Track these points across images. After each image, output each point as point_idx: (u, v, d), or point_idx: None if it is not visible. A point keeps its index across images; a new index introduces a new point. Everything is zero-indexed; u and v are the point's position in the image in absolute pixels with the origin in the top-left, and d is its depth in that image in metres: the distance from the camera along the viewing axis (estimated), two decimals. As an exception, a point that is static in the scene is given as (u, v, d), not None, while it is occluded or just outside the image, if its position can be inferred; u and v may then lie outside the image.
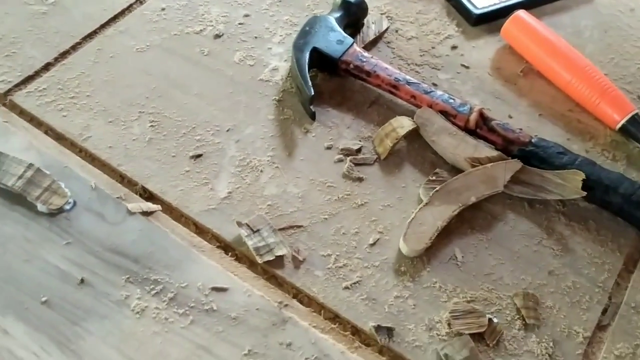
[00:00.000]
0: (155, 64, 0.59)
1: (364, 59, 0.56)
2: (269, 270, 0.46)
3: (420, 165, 0.53)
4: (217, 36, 0.62)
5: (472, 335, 0.42)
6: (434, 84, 0.59)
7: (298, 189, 0.51)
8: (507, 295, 0.45)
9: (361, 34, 0.62)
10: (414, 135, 0.54)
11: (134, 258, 0.46)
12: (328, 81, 0.59)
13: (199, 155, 0.52)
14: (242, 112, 0.56)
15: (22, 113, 0.55)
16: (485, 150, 0.51)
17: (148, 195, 0.50)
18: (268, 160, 0.52)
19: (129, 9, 0.64)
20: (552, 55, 0.59)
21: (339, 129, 0.55)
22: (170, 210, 0.49)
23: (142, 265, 0.45)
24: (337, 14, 0.61)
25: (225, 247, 0.47)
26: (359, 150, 0.53)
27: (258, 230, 0.47)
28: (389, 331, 0.43)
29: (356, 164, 0.52)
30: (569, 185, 0.49)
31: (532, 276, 0.46)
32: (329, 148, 0.54)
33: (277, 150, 0.53)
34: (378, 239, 0.48)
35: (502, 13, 0.63)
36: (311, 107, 0.54)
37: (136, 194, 0.50)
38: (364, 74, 0.56)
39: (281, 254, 0.46)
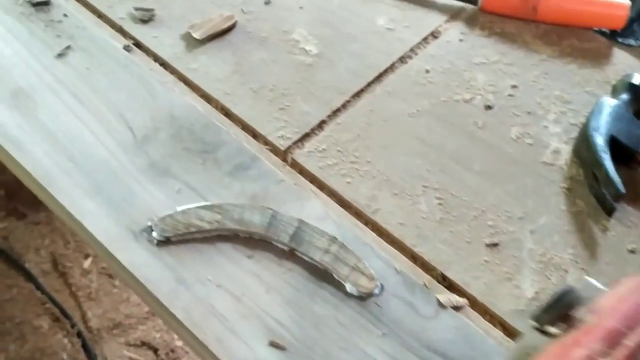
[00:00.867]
0: (430, 132, 0.57)
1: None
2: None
3: None
4: (488, 107, 0.59)
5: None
6: None
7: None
8: None
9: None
10: None
11: None
12: (617, 171, 0.55)
13: (495, 245, 0.50)
14: (531, 198, 0.53)
15: (302, 173, 0.54)
16: None
17: (448, 284, 0.48)
18: (570, 259, 0.49)
19: (392, 67, 0.62)
20: None
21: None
22: (474, 304, 0.47)
23: (461, 367, 0.43)
24: (625, 98, 0.57)
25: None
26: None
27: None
28: None
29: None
30: None
31: None
32: (632, 252, 0.50)
33: (577, 249, 0.50)
34: None
35: None
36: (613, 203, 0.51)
37: (435, 280, 0.48)
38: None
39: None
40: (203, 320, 0.46)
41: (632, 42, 0.65)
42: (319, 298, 0.46)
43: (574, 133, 0.57)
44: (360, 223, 0.51)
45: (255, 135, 0.57)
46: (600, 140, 0.53)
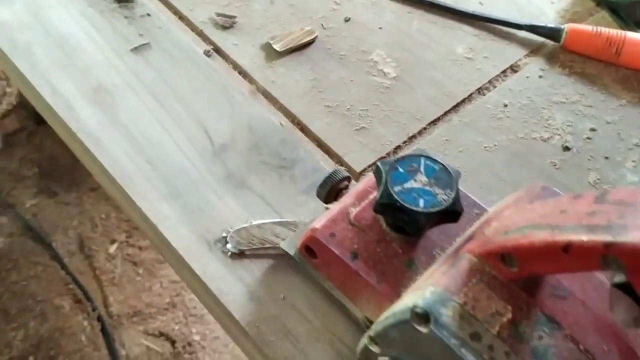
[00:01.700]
0: (506, 168, 0.57)
1: None
2: None
3: None
4: (566, 148, 0.59)
5: None
6: None
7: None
8: None
9: None
10: None
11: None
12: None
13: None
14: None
15: (377, 198, 0.54)
16: None
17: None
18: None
19: (469, 98, 0.62)
20: None
21: None
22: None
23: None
24: None
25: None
26: None
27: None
28: None
29: None
30: None
31: None
32: None
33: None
34: None
35: None
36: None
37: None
38: None
39: None
40: (274, 338, 0.46)
41: None
42: (395, 331, 0.46)
43: (652, 184, 0.57)
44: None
45: (330, 154, 0.57)
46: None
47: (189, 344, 1.27)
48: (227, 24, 0.64)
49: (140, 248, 1.37)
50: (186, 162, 0.54)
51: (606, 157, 0.59)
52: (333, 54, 0.63)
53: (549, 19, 0.69)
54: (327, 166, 0.55)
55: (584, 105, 0.62)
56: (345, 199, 0.43)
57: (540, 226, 0.31)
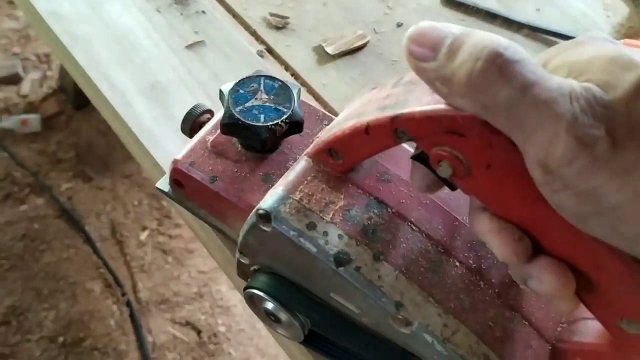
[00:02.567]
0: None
1: None
2: None
3: None
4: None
5: None
6: None
7: None
8: None
9: None
10: None
11: None
12: None
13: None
14: None
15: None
16: None
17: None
18: None
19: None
20: None
21: None
22: None
23: None
24: None
25: None
26: None
27: None
28: None
29: None
30: None
31: None
32: None
33: None
34: None
35: None
36: None
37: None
38: None
39: None
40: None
41: None
42: None
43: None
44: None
45: (378, 160, 0.57)
46: None
47: (215, 335, 1.29)
48: (280, 24, 0.64)
49: (170, 237, 1.39)
50: (237, 162, 0.54)
51: None
52: (384, 59, 0.63)
53: (604, 33, 0.68)
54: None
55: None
56: (204, 130, 0.45)
57: (351, 117, 0.34)
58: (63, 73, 1.47)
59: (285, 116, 0.41)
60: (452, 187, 0.32)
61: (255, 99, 0.42)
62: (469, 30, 0.27)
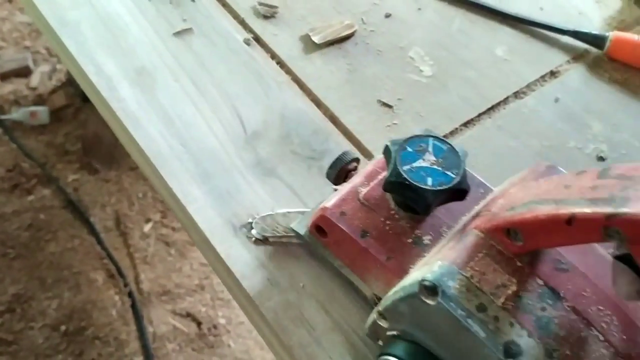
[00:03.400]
0: (536, 175, 0.56)
1: None
2: None
3: None
4: (601, 159, 0.58)
5: None
6: None
7: None
8: None
9: None
10: None
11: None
12: None
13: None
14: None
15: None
16: None
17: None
18: None
19: (505, 101, 0.61)
20: None
21: None
22: None
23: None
24: None
25: None
26: None
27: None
28: None
29: None
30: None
31: None
32: None
33: None
34: None
35: None
36: None
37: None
38: None
39: None
40: (290, 325, 0.47)
41: None
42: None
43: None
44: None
45: (360, 148, 0.57)
46: None
47: (215, 327, 1.30)
48: (268, 13, 0.65)
49: (173, 229, 1.41)
50: (218, 147, 0.55)
51: None
52: (371, 49, 0.64)
53: (595, 26, 0.68)
54: (356, 160, 0.56)
55: (624, 115, 0.61)
56: (355, 179, 0.44)
57: (544, 201, 0.32)
58: (71, 66, 1.49)
59: (453, 183, 0.39)
60: None
61: (423, 159, 0.41)
62: None
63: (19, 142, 1.46)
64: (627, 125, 0.60)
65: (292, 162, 0.55)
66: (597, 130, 0.60)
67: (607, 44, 0.63)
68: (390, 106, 0.59)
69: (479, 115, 0.60)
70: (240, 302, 0.51)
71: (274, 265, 0.49)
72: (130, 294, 1.30)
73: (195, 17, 0.64)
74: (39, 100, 1.53)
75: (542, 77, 0.63)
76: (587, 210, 0.29)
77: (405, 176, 0.39)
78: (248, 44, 0.63)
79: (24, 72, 1.55)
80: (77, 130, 1.50)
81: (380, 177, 0.44)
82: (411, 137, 0.42)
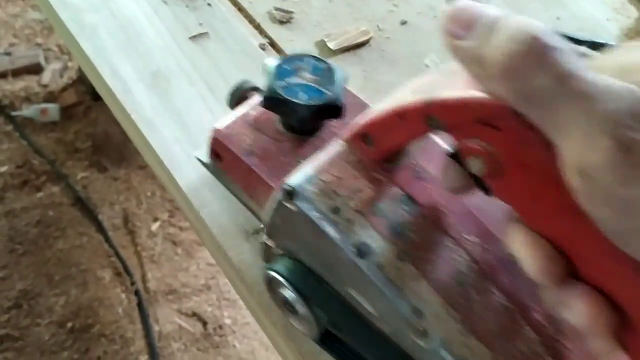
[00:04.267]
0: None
1: None
2: None
3: None
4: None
5: None
6: None
7: None
8: None
9: None
10: None
11: None
12: None
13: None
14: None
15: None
16: None
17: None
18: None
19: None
20: None
21: None
22: None
23: None
24: None
25: None
26: None
27: None
28: None
29: None
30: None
31: None
32: None
33: None
34: None
35: None
36: None
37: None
38: None
39: None
40: (298, 333, 0.47)
41: None
42: None
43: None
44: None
45: (374, 156, 0.57)
46: None
47: (220, 327, 1.30)
48: (284, 19, 0.65)
49: (180, 228, 1.41)
50: (233, 152, 0.55)
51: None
52: (386, 56, 0.63)
53: (612, 37, 0.67)
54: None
55: None
56: (248, 103, 0.45)
57: (389, 102, 0.32)
58: (83, 64, 1.50)
59: (328, 98, 0.40)
60: (486, 191, 0.29)
61: (299, 76, 0.41)
62: (508, 13, 0.25)
63: (29, 139, 1.46)
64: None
65: (306, 169, 0.55)
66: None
67: (624, 55, 0.62)
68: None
69: (494, 125, 0.60)
70: (251, 307, 0.51)
71: (286, 272, 0.49)
72: (136, 293, 1.30)
73: (211, 22, 0.64)
74: (50, 97, 1.53)
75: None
76: (410, 101, 0.29)
77: (279, 91, 0.40)
78: (263, 49, 0.63)
79: (35, 69, 1.56)
80: (87, 128, 1.51)
81: None
82: (290, 56, 0.43)
